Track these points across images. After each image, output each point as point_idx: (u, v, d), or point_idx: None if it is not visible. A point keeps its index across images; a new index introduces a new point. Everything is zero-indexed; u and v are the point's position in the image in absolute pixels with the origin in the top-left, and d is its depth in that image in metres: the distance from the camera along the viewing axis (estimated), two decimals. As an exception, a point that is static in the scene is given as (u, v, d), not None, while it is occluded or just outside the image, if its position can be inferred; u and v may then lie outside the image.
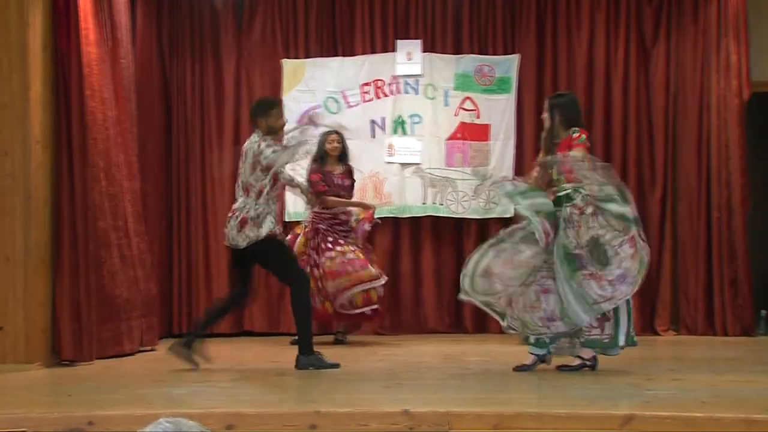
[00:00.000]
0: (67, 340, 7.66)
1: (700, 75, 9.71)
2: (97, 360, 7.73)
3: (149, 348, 8.68)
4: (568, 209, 6.84)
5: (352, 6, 10.09)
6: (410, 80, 9.96)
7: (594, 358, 6.99)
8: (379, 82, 9.98)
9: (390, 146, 9.91)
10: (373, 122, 9.96)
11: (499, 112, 9.93)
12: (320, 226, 8.84)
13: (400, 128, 9.95)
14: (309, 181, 8.88)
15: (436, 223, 9.97)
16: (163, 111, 10.04)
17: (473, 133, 9.97)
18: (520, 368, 7.02)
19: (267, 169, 7.14)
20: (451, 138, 9.95)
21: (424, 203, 9.94)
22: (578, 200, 6.84)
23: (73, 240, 7.71)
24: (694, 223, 9.72)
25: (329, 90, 9.99)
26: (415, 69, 9.94)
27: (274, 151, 7.11)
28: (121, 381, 6.82)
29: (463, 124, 9.98)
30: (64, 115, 7.74)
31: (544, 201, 6.86)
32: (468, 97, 9.96)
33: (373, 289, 8.78)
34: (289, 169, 9.60)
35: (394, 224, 9.98)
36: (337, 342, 9.07)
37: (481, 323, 9.84)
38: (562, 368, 7.02)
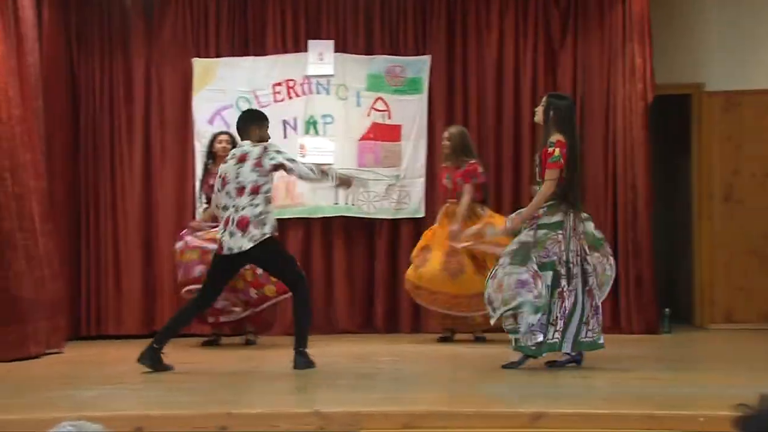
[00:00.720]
0: (-30, 342, 7.50)
1: (606, 78, 9.88)
2: (1, 363, 7.56)
3: (56, 350, 8.52)
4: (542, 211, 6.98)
5: (263, 6, 10.06)
6: (322, 80, 9.97)
7: (580, 354, 7.05)
8: (290, 82, 9.96)
9: (302, 146, 9.90)
10: (284, 122, 9.93)
11: (411, 112, 9.99)
12: None
13: (312, 128, 9.95)
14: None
15: (348, 223, 9.99)
16: (70, 108, 9.89)
17: (385, 133, 10.00)
18: (508, 365, 7.04)
19: (274, 170, 7.11)
20: (363, 138, 9.98)
21: (335, 204, 9.95)
22: (542, 210, 6.98)
23: (-23, 241, 7.55)
24: (600, 224, 9.82)
25: (240, 90, 9.95)
26: (327, 69, 9.94)
27: (290, 159, 7.15)
28: (25, 384, 6.70)
29: (374, 125, 10.01)
30: (-33, 113, 7.58)
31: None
32: (380, 98, 10.00)
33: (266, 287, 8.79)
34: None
35: (306, 225, 9.97)
36: (248, 343, 9.03)
37: (392, 323, 9.89)
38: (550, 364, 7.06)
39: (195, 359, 8.08)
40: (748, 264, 10.13)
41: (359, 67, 9.99)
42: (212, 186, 8.88)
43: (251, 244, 7.01)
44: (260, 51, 10.04)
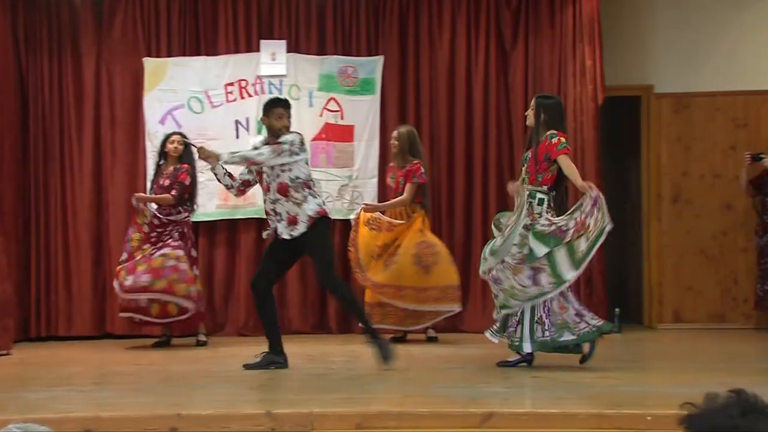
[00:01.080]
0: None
1: (557, 79, 9.95)
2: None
3: (4, 352, 8.43)
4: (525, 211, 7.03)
5: (215, 5, 10.01)
6: (274, 80, 9.94)
7: (530, 355, 7.13)
8: (243, 82, 9.93)
9: (254, 147, 9.84)
10: (237, 122, 9.90)
11: (363, 113, 9.99)
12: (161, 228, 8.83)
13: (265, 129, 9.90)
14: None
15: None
16: (19, 109, 9.78)
17: (337, 134, 10.00)
18: (503, 363, 7.14)
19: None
20: (315, 139, 9.96)
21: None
22: (535, 205, 7.04)
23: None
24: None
25: (192, 90, 9.90)
26: (280, 69, 9.92)
27: (260, 154, 7.15)
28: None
29: (327, 125, 10.01)
30: None
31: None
32: (332, 98, 10.00)
33: (174, 303, 8.74)
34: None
35: (258, 225, 9.93)
36: (199, 344, 8.99)
37: (345, 324, 9.88)
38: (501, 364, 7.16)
39: (145, 360, 8.04)
40: (696, 264, 10.25)
41: (312, 68, 9.98)
42: (163, 186, 8.86)
43: (299, 232, 7.19)
44: (212, 51, 10.00)
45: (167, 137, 9.02)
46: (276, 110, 7.30)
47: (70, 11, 9.95)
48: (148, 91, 9.83)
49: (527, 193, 7.07)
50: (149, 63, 9.87)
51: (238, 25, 10.03)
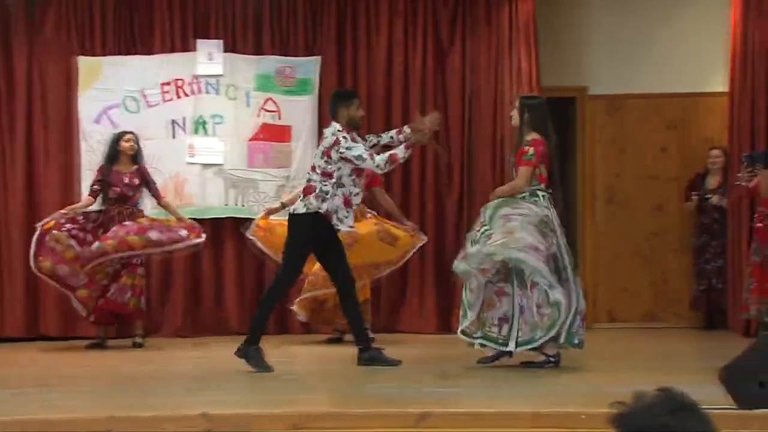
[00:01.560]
0: None
1: (494, 79, 10.01)
2: None
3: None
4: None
5: (150, 4, 9.91)
6: (211, 80, 9.88)
7: (557, 354, 7.10)
8: (179, 81, 9.85)
9: (191, 147, 9.81)
10: (173, 122, 9.82)
11: (301, 113, 9.97)
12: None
13: (202, 128, 9.86)
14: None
15: (238, 224, 9.92)
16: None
17: (275, 134, 9.97)
18: (483, 361, 7.13)
19: (341, 161, 7.23)
20: (253, 139, 9.93)
21: (225, 204, 9.88)
22: (540, 203, 7.15)
23: None
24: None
25: (128, 89, 9.80)
26: (216, 69, 9.86)
27: (358, 156, 7.18)
28: None
29: (265, 125, 9.97)
30: None
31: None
32: (270, 98, 9.96)
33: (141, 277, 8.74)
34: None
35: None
36: (135, 345, 8.90)
37: (282, 324, 9.84)
38: (526, 365, 7.12)
39: (80, 362, 7.96)
40: (630, 264, 10.38)
41: (249, 67, 9.94)
42: (132, 185, 8.78)
43: (303, 210, 7.23)
44: (148, 50, 9.90)
45: (120, 136, 8.93)
46: (355, 101, 7.52)
47: (1, 7, 9.79)
48: (82, 90, 9.71)
49: (527, 193, 7.15)
50: (83, 62, 9.75)
51: (174, 24, 9.95)
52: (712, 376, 5.23)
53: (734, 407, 5.04)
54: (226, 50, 9.91)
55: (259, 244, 9.00)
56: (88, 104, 9.73)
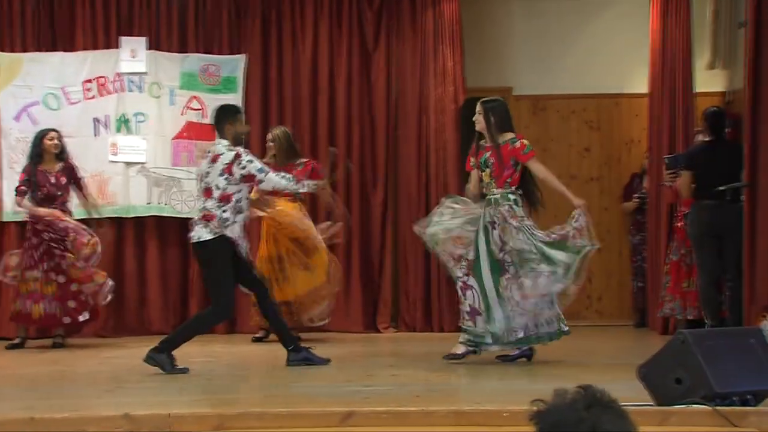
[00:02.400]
0: None
1: (419, 80, 10.05)
2: None
3: None
4: (496, 211, 7.15)
5: (71, 0, 9.77)
6: (135, 78, 9.78)
7: (530, 349, 7.23)
8: (102, 79, 9.73)
9: (113, 145, 9.69)
10: (96, 120, 9.70)
11: (225, 111, 9.90)
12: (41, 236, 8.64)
13: (124, 126, 9.75)
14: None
15: (161, 223, 9.84)
16: None
17: (200, 132, 9.90)
18: (450, 357, 7.17)
19: (244, 180, 7.02)
20: (177, 137, 9.85)
21: (148, 203, 9.79)
22: (505, 208, 7.17)
23: None
24: (414, 224, 10.04)
25: (49, 86, 9.65)
26: (140, 67, 9.76)
27: (261, 170, 7.03)
28: None
29: (189, 124, 9.91)
30: None
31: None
32: (195, 97, 9.89)
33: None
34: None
35: (118, 224, 9.76)
36: (56, 345, 8.78)
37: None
38: (501, 358, 7.23)
39: (1, 363, 7.83)
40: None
41: (173, 65, 9.85)
42: (59, 184, 8.67)
43: (210, 236, 6.97)
44: (69, 47, 9.77)
45: (43, 134, 8.80)
46: (240, 116, 7.39)
47: None
48: (2, 87, 9.54)
49: (498, 196, 7.25)
50: (3, 58, 9.59)
51: (97, 21, 9.82)
52: (631, 373, 5.32)
53: (652, 404, 5.13)
54: (150, 48, 9.81)
55: None
56: (7, 101, 9.57)
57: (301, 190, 7.63)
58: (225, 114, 7.32)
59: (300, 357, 7.23)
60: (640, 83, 10.16)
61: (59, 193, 8.76)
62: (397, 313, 10.06)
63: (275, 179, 7.15)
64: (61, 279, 8.57)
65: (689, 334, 5.31)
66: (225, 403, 5.61)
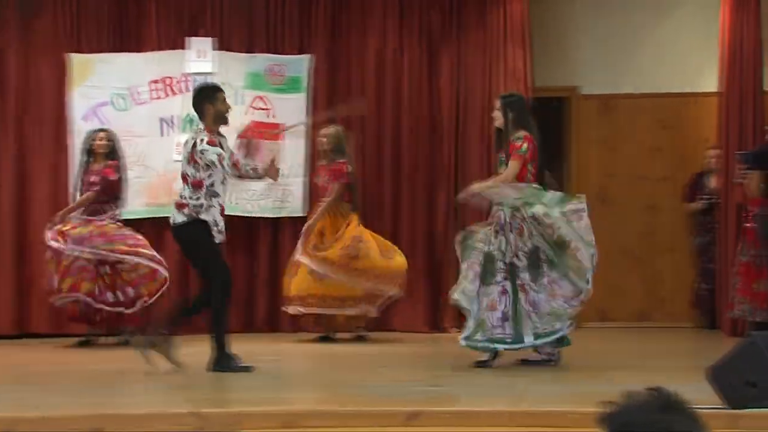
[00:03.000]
0: None
1: (486, 79, 10.00)
2: None
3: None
4: (510, 212, 7.10)
5: (142, 1, 9.90)
6: (201, 78, 9.84)
7: (557, 353, 7.14)
8: (168, 79, 9.83)
9: (179, 144, 9.77)
10: (162, 120, 9.80)
11: (291, 111, 9.94)
12: None
13: (190, 126, 9.81)
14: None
15: (229, 222, 9.86)
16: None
17: (265, 132, 9.95)
18: (479, 364, 7.04)
19: (208, 167, 6.98)
20: (242, 136, 9.89)
21: (216, 202, 9.84)
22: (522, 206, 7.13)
23: None
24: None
25: (118, 87, 9.77)
26: (206, 67, 9.83)
27: (219, 154, 6.94)
28: None
29: (255, 123, 9.95)
30: None
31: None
32: (260, 96, 9.95)
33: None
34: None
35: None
36: (125, 343, 8.87)
37: (273, 322, 9.84)
38: (525, 362, 7.15)
39: (70, 359, 7.95)
40: (621, 264, 10.37)
41: (239, 65, 9.92)
42: (91, 183, 8.77)
43: (183, 219, 6.97)
44: (139, 47, 9.89)
45: (92, 134, 8.93)
46: (220, 95, 7.25)
47: (-6, 5, 9.77)
48: (73, 88, 9.68)
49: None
50: (74, 59, 9.72)
51: (165, 22, 9.93)
52: (702, 375, 5.24)
53: (724, 407, 5.06)
54: (216, 48, 9.88)
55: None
56: (78, 102, 9.71)
57: (251, 178, 7.49)
58: (203, 94, 7.25)
59: (226, 363, 7.05)
60: (710, 82, 10.02)
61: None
62: (461, 313, 10.01)
63: (228, 170, 7.08)
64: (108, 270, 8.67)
65: (760, 336, 5.22)
66: (292, 401, 5.64)
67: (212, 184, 7.03)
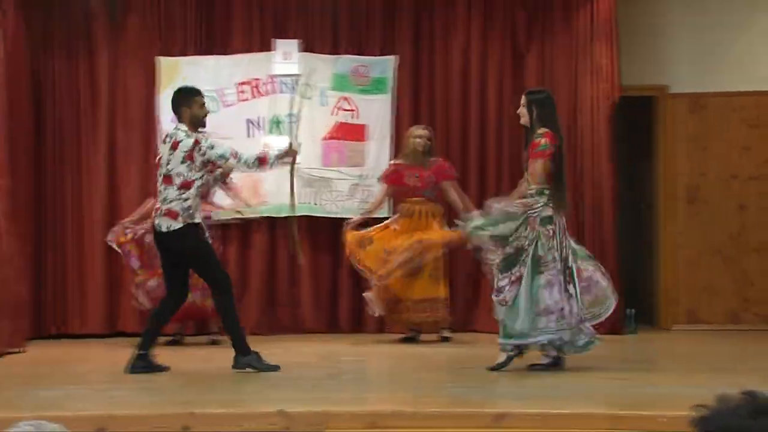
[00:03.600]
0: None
1: (572, 78, 9.89)
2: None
3: (17, 350, 8.46)
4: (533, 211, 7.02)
5: (229, 4, 10.01)
6: (287, 80, 9.92)
7: (559, 357, 7.04)
8: (255, 81, 9.93)
9: (266, 146, 9.84)
10: (249, 121, 9.90)
11: (376, 112, 9.97)
12: None
13: (277, 128, 9.91)
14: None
15: (313, 223, 9.96)
16: (32, 108, 9.75)
17: (350, 133, 9.99)
18: (495, 367, 6.97)
19: (204, 166, 6.99)
20: (327, 138, 9.96)
21: (300, 203, 9.91)
22: (540, 208, 7.00)
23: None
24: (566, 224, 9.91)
25: (205, 89, 9.74)
26: (293, 68, 9.90)
27: (221, 155, 6.97)
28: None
29: (340, 124, 10.00)
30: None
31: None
32: (345, 97, 9.99)
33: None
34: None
35: (270, 224, 9.94)
36: (213, 343, 8.98)
37: (356, 323, 9.87)
38: (533, 367, 7.04)
39: (158, 359, 8.05)
40: (712, 264, 10.19)
41: (325, 67, 9.96)
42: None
43: (179, 225, 6.91)
44: (225, 50, 9.99)
45: None
46: (198, 99, 7.22)
47: (85, 9, 9.95)
48: (161, 91, 9.83)
49: (533, 191, 7.03)
50: (163, 62, 9.87)
51: (252, 25, 10.03)
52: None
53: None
54: (302, 50, 9.94)
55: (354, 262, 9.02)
56: (166, 104, 9.80)
57: (263, 170, 7.38)
58: (181, 97, 7.20)
59: (142, 364, 7.04)
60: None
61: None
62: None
63: (235, 165, 7.08)
64: None
65: None
66: (377, 402, 5.64)
67: (201, 186, 7.04)
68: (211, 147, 6.97)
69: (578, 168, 9.85)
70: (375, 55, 10.03)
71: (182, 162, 6.94)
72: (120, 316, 9.80)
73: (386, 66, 9.98)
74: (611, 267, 9.61)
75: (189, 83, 9.77)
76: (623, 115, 10.18)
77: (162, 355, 8.34)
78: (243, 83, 9.91)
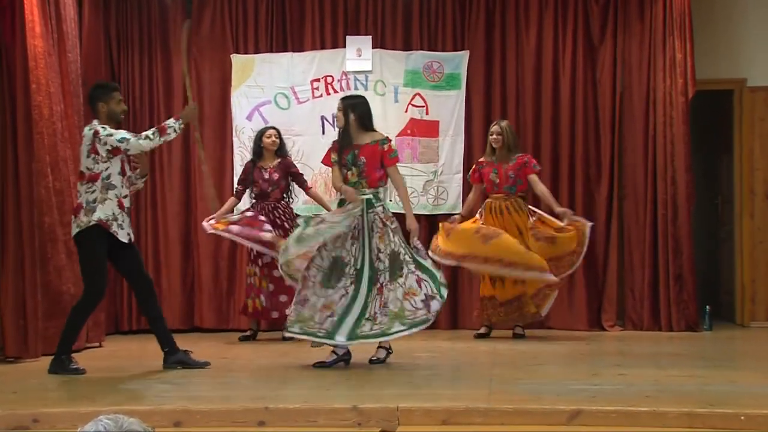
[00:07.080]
0: (12, 336, 7.58)
1: (647, 73, 9.79)
2: (43, 356, 7.61)
3: (96, 344, 8.61)
4: (372, 215, 7.05)
5: (302, 1, 10.07)
6: (360, 76, 9.96)
7: (347, 353, 7.10)
8: (328, 78, 9.97)
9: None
10: (323, 118, 9.94)
11: (449, 108, 9.96)
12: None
13: (349, 124, 9.93)
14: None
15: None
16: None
17: (423, 129, 9.99)
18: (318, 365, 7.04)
19: (112, 155, 6.86)
20: (400, 134, 9.96)
21: (371, 199, 9.92)
22: (380, 209, 7.07)
23: (18, 235, 7.62)
24: (639, 220, 9.81)
25: (279, 86, 9.97)
26: (365, 65, 9.93)
27: (122, 139, 6.83)
28: (66, 378, 6.75)
29: (412, 121, 10.00)
30: (9, 109, 7.65)
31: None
32: (417, 94, 9.98)
33: None
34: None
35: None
36: (286, 338, 9.02)
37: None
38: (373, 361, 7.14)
39: (233, 354, 8.13)
40: (791, 261, 10.02)
41: (397, 63, 9.97)
42: (271, 180, 8.96)
43: (77, 230, 6.87)
44: (298, 47, 10.06)
45: (262, 132, 9.12)
46: (116, 94, 7.11)
47: (160, 8, 10.09)
48: (235, 88, 9.93)
49: (370, 196, 7.14)
50: (237, 59, 9.97)
51: (325, 21, 10.07)
52: None
53: None
54: (375, 46, 9.96)
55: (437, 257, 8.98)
56: (240, 101, 9.94)
57: (168, 138, 7.06)
58: (98, 92, 7.09)
59: (176, 359, 7.03)
60: None
61: (270, 189, 9.00)
62: (622, 310, 9.84)
63: (139, 143, 6.87)
64: (277, 273, 8.76)
65: None
66: (450, 398, 5.62)
67: (108, 177, 6.87)
68: (110, 134, 6.84)
69: (652, 163, 9.73)
70: (446, 50, 10.01)
71: (87, 156, 6.89)
72: (196, 312, 9.92)
73: (460, 61, 9.96)
74: (686, 263, 9.51)
75: (263, 80, 9.91)
76: (700, 109, 10.03)
77: (237, 350, 8.42)
78: (316, 80, 9.96)
